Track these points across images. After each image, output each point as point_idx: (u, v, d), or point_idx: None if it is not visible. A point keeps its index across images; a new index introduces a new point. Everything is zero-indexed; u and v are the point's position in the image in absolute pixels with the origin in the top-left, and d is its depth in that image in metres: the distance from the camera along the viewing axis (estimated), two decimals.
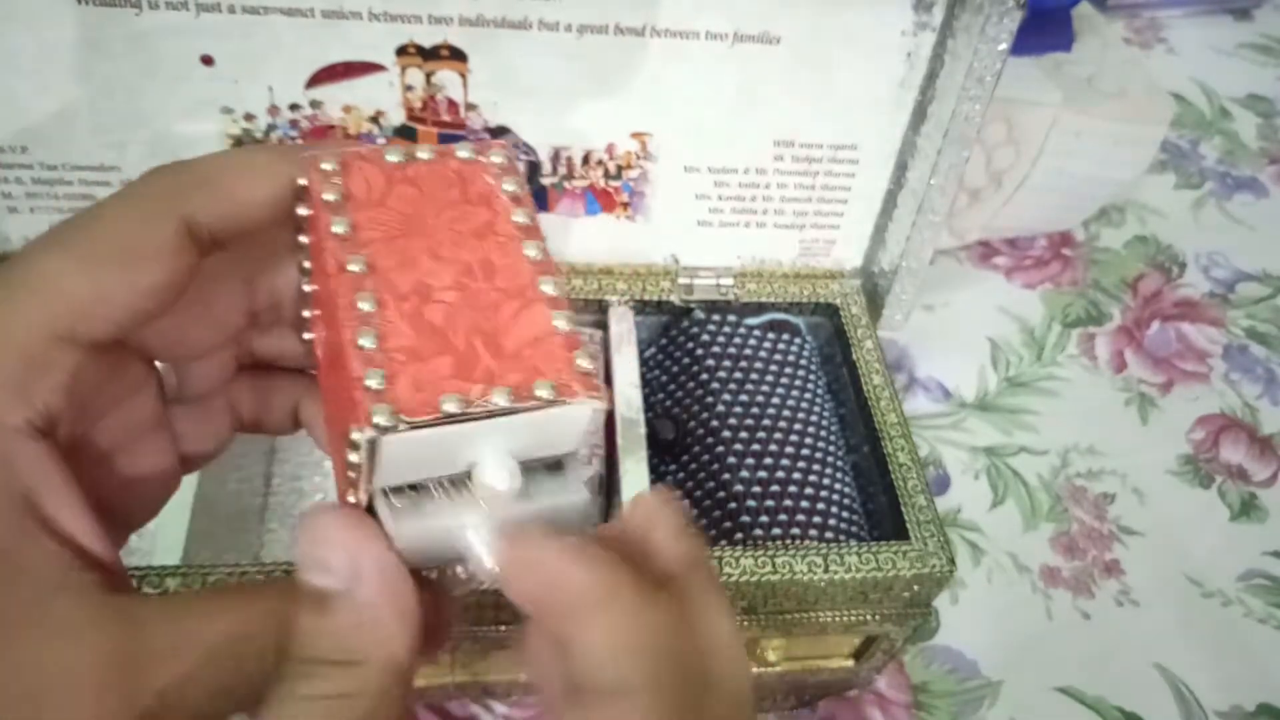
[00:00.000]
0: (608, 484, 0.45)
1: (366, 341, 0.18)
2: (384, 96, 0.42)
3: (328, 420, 0.24)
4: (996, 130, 0.59)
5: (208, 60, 0.39)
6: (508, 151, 0.22)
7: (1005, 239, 0.71)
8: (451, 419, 0.18)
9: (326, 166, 0.21)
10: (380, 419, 0.18)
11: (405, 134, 0.43)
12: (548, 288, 0.20)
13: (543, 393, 0.19)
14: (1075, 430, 0.60)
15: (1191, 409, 0.63)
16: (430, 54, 0.41)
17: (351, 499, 0.20)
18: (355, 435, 0.18)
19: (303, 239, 0.22)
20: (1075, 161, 0.61)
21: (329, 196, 0.20)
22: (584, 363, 0.19)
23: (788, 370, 0.48)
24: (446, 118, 0.43)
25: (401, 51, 0.41)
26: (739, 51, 0.42)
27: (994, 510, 0.57)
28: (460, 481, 0.20)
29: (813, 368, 0.50)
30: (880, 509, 0.44)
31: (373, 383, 0.18)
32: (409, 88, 0.42)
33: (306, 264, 0.22)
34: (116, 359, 0.22)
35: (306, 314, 0.23)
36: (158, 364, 0.24)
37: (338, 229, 0.20)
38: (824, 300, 0.50)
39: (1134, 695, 0.50)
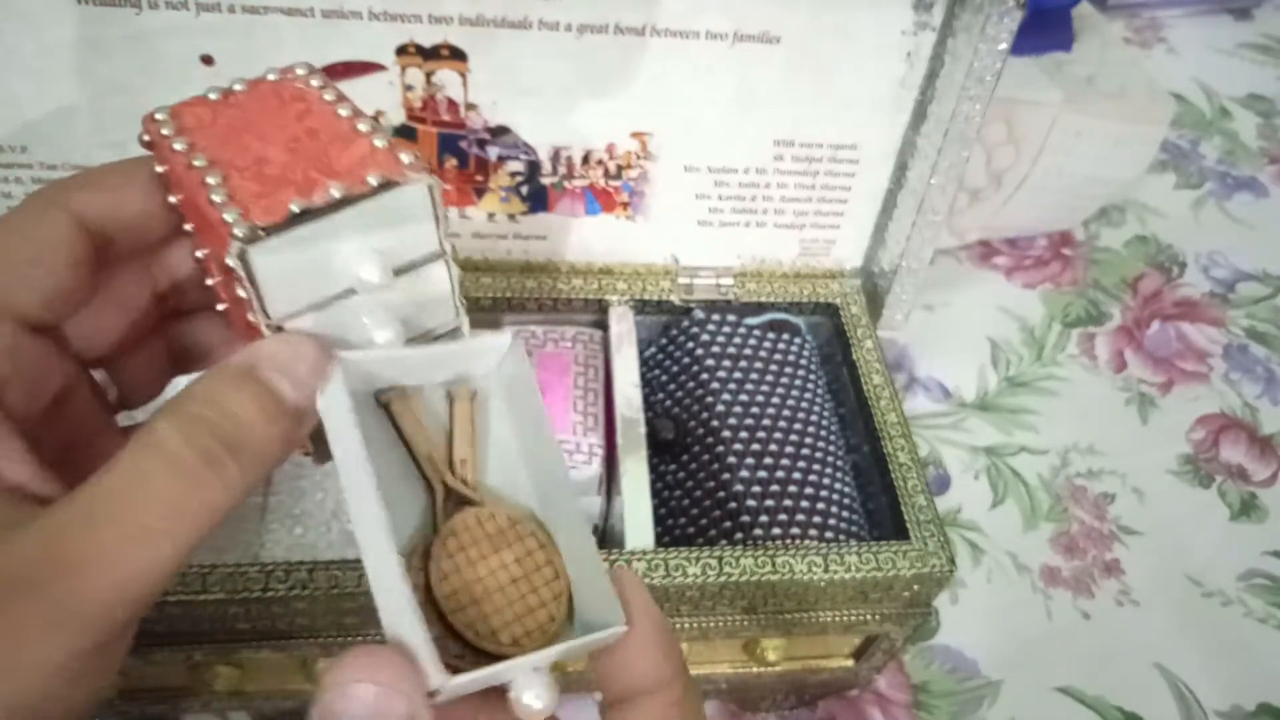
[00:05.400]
0: (608, 484, 0.45)
1: (218, 196, 0.21)
2: (384, 96, 0.42)
3: (231, 322, 0.25)
4: (996, 130, 0.59)
5: (208, 60, 0.39)
6: (310, 66, 0.25)
7: (1005, 239, 0.71)
8: (301, 218, 0.21)
9: (160, 116, 0.24)
10: (239, 231, 0.20)
11: (405, 134, 0.43)
12: (363, 126, 0.23)
13: (373, 179, 0.21)
14: (1075, 430, 0.60)
15: (1191, 409, 0.63)
16: (430, 54, 0.41)
17: (254, 320, 0.22)
18: (228, 259, 0.20)
19: (171, 199, 0.24)
20: (1075, 161, 0.61)
21: (166, 131, 0.23)
22: (407, 157, 0.22)
23: (788, 370, 0.48)
24: (446, 117, 0.43)
25: (401, 51, 0.41)
26: (739, 51, 0.42)
27: (994, 510, 0.57)
28: (347, 292, 0.22)
29: (813, 368, 0.50)
30: (880, 509, 0.44)
31: (229, 215, 0.21)
32: (409, 87, 0.42)
33: (188, 226, 0.24)
34: (50, 352, 0.24)
35: (210, 282, 0.25)
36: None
37: (178, 146, 0.23)
38: (824, 300, 0.50)
39: (1134, 695, 0.50)
